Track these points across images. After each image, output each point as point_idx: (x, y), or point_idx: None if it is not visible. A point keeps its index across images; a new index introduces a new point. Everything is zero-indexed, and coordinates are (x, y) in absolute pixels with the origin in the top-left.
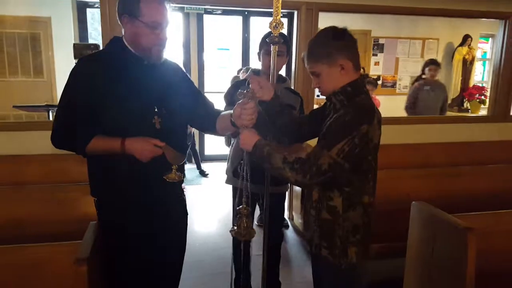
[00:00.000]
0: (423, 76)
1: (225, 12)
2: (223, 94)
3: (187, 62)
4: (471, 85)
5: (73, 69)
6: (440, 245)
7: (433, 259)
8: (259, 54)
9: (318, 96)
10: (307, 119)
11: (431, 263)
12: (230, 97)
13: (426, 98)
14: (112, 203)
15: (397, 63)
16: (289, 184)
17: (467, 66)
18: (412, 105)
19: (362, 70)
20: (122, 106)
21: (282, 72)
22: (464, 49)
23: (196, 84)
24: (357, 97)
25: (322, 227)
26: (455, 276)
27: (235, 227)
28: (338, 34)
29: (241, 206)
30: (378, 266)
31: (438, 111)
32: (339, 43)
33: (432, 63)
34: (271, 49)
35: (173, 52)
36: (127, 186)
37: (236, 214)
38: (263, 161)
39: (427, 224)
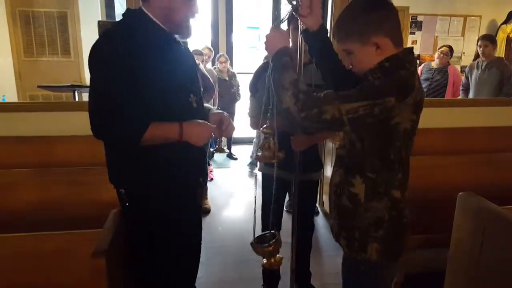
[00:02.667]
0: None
1: None
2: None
3: (215, 42)
4: None
5: (100, 47)
6: (490, 241)
7: (482, 256)
8: (288, 30)
9: None
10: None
11: (480, 260)
12: (253, 87)
13: (478, 78)
14: (149, 192)
15: (436, 42)
16: (322, 170)
17: None
18: (464, 86)
19: None
20: (161, 85)
21: None
22: (509, 27)
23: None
24: (396, 72)
25: (342, 215)
26: (509, 275)
27: (259, 152)
28: (370, 6)
29: (264, 126)
30: (415, 258)
31: (495, 91)
32: (372, 17)
33: (482, 38)
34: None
35: (200, 32)
36: (168, 170)
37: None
38: (276, 70)
39: (475, 217)
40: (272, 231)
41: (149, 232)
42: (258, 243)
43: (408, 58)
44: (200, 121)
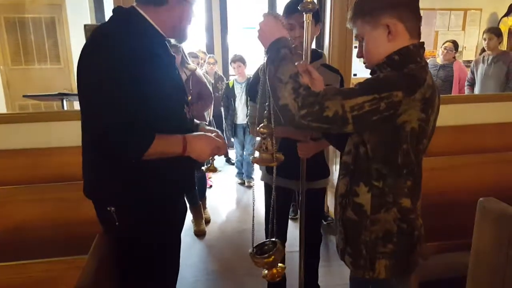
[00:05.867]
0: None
1: None
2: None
3: (210, 44)
4: None
5: (102, 48)
6: None
7: (508, 267)
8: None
9: (355, 75)
10: None
11: (506, 271)
12: (252, 90)
13: (484, 72)
14: (141, 209)
15: (436, 37)
16: (329, 177)
17: None
18: (470, 81)
19: None
20: (161, 94)
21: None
22: (510, 20)
23: (220, 67)
24: (405, 67)
25: (347, 229)
26: None
27: (256, 154)
28: None
29: (260, 126)
30: (429, 264)
31: (502, 86)
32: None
33: (487, 31)
34: (294, 22)
35: (195, 34)
36: (160, 186)
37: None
38: (272, 61)
39: (498, 225)
40: (273, 240)
41: (141, 253)
42: (258, 254)
43: (420, 52)
44: (204, 133)
